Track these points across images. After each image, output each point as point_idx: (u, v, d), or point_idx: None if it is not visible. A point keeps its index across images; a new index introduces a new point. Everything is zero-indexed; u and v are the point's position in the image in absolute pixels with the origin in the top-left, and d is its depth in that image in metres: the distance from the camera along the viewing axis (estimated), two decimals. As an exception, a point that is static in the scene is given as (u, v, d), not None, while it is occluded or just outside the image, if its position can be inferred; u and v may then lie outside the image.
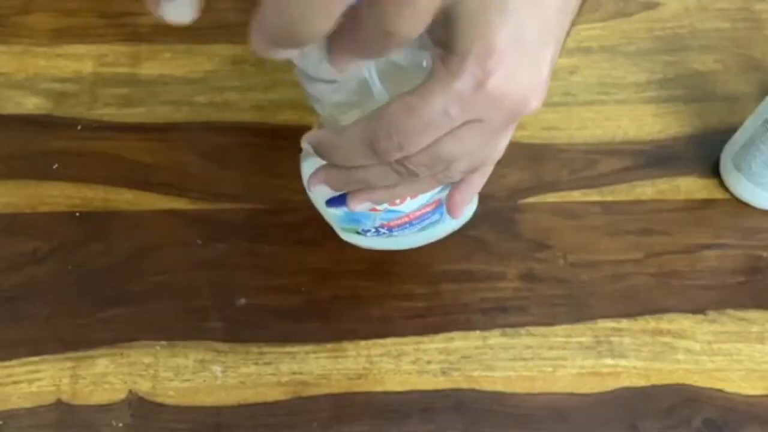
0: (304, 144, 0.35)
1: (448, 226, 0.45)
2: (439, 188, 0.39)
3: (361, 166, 0.34)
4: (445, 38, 0.29)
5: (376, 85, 0.33)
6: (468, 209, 0.45)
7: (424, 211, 0.40)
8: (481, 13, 0.29)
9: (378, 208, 0.39)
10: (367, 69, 0.33)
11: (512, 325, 0.48)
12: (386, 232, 0.42)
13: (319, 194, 0.40)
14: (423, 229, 0.42)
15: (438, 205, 0.40)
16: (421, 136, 0.31)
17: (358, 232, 0.43)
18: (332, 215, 0.42)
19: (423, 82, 0.30)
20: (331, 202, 0.38)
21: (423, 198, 0.39)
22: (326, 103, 0.36)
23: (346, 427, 0.44)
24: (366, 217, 0.40)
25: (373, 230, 0.42)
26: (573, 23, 0.34)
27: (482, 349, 0.47)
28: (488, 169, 0.37)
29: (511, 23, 0.29)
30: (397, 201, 0.39)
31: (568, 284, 0.49)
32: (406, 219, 0.41)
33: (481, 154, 0.34)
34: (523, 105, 0.30)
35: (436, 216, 0.41)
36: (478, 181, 0.38)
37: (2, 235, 0.50)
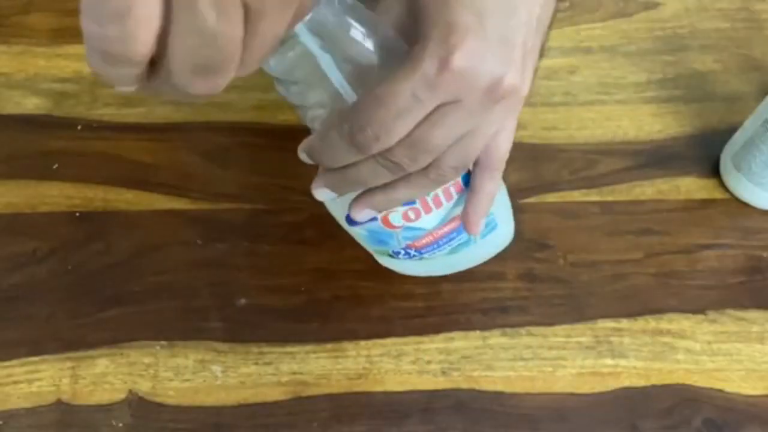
0: (301, 154, 0.35)
1: (482, 250, 0.44)
2: (453, 201, 0.38)
3: (351, 165, 0.34)
4: (413, 34, 0.30)
5: (348, 91, 0.33)
6: (504, 233, 0.44)
7: (447, 229, 0.40)
8: (442, 1, 0.29)
9: (395, 224, 0.39)
10: (336, 79, 0.33)
11: (512, 325, 0.48)
12: (416, 254, 0.41)
13: (339, 211, 0.40)
14: (453, 251, 0.42)
15: (461, 222, 0.40)
16: (395, 124, 0.31)
17: (390, 255, 0.42)
18: (358, 236, 0.42)
19: (390, 73, 0.30)
20: (349, 219, 0.39)
21: (440, 213, 0.39)
22: (305, 106, 0.36)
23: (346, 427, 0.44)
24: (389, 236, 0.40)
25: (403, 252, 0.41)
26: (554, 12, 0.34)
27: (482, 349, 0.47)
28: (496, 175, 0.37)
29: (473, 5, 0.29)
30: (412, 216, 0.38)
31: (568, 284, 0.49)
32: (431, 238, 0.40)
33: (469, 144, 0.33)
34: (496, 81, 0.30)
35: (464, 236, 0.41)
36: (489, 189, 0.37)
37: (2, 235, 0.50)
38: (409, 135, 0.31)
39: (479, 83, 0.30)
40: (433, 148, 0.32)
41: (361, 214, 0.37)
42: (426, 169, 0.33)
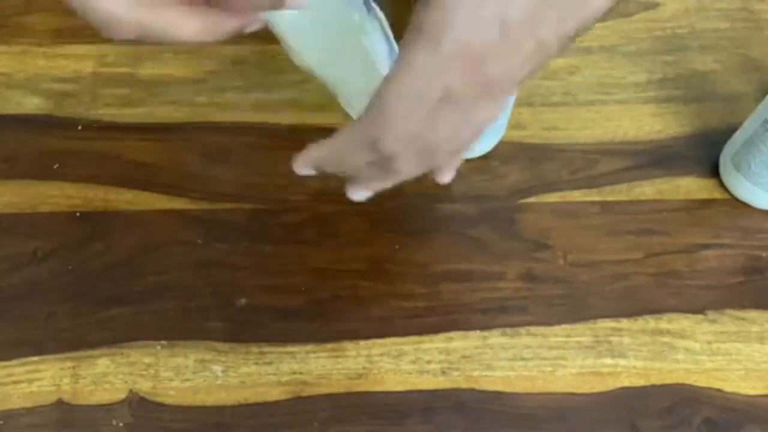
0: (299, 168, 0.36)
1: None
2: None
3: (351, 164, 0.35)
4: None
5: None
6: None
7: None
8: None
9: None
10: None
11: (512, 325, 0.48)
12: None
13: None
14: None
15: None
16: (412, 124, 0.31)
17: None
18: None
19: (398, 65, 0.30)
20: None
21: None
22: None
23: (346, 427, 0.44)
24: None
25: None
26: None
27: (482, 348, 0.47)
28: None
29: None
30: None
31: (568, 284, 0.49)
32: None
33: (462, 135, 0.34)
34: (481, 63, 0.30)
35: None
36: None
37: (2, 235, 0.50)
38: (412, 140, 0.32)
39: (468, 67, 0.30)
40: (433, 148, 0.32)
41: (359, 194, 0.38)
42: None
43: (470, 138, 0.34)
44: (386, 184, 0.37)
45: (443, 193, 0.53)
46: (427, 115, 0.31)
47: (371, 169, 0.34)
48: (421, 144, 0.32)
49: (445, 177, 0.38)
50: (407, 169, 0.33)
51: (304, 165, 0.37)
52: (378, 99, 0.31)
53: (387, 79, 0.30)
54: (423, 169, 0.34)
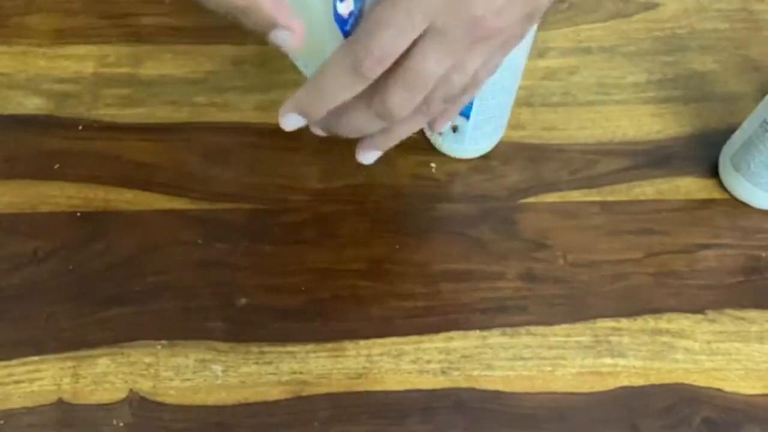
0: (285, 117, 0.36)
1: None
2: None
3: (346, 114, 0.35)
4: None
5: None
6: None
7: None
8: None
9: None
10: None
11: (512, 325, 0.48)
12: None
13: None
14: None
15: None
16: (395, 44, 0.31)
17: None
18: None
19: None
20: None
21: None
22: None
23: (346, 426, 0.44)
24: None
25: None
26: None
27: (482, 348, 0.47)
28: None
29: None
30: None
31: (568, 284, 0.49)
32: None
33: (454, 77, 0.34)
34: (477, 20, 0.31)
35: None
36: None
37: (2, 235, 0.50)
38: (401, 73, 0.32)
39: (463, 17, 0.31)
40: (423, 84, 0.32)
41: (370, 156, 0.39)
42: (418, 106, 0.34)
43: (464, 86, 0.34)
44: (387, 137, 0.37)
45: (443, 193, 0.53)
46: (415, 46, 0.31)
47: (362, 111, 0.34)
48: (409, 76, 0.32)
49: (438, 128, 0.38)
50: (397, 107, 0.33)
51: (289, 113, 0.36)
52: (361, 23, 0.32)
53: (373, 6, 0.31)
54: (415, 111, 0.34)
